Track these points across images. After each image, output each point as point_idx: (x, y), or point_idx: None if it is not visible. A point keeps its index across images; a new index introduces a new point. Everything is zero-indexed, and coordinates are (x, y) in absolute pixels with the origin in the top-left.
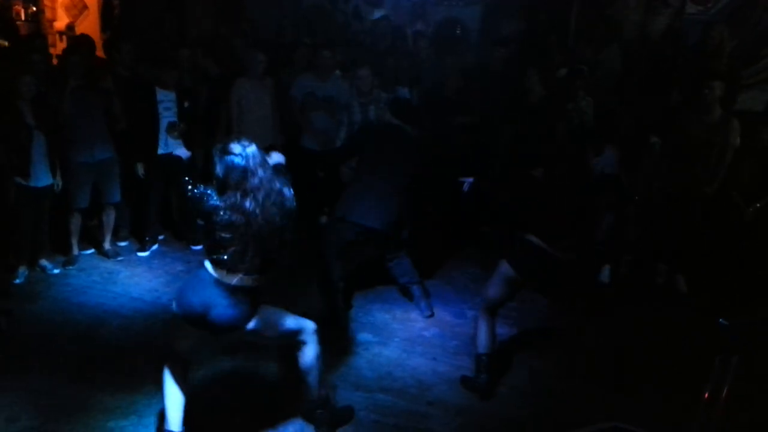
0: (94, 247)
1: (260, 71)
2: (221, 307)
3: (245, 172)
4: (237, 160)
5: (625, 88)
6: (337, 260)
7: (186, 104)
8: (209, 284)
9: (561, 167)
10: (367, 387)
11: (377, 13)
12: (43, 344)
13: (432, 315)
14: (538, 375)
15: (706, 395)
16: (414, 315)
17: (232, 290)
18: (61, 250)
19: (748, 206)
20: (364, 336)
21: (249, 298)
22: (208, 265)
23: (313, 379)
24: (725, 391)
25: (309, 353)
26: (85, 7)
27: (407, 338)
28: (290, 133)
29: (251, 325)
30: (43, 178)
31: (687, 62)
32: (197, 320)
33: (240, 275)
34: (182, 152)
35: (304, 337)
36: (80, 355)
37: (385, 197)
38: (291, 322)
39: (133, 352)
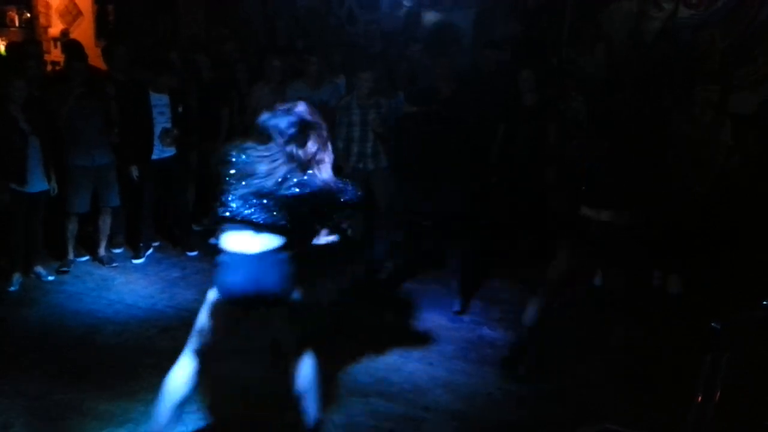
0: (89, 254)
1: (277, 76)
2: (270, 276)
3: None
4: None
5: (612, 89)
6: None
7: (180, 109)
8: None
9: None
10: (363, 392)
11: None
12: (38, 350)
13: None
14: (532, 379)
15: (699, 397)
16: (410, 320)
17: (275, 258)
18: (57, 256)
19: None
20: (360, 341)
21: (292, 268)
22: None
23: (311, 400)
24: (717, 391)
25: (310, 367)
26: (80, 13)
27: (403, 343)
28: None
29: (294, 297)
30: (37, 183)
31: (678, 65)
32: (243, 297)
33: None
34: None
35: (309, 346)
36: (75, 362)
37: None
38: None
39: (129, 358)
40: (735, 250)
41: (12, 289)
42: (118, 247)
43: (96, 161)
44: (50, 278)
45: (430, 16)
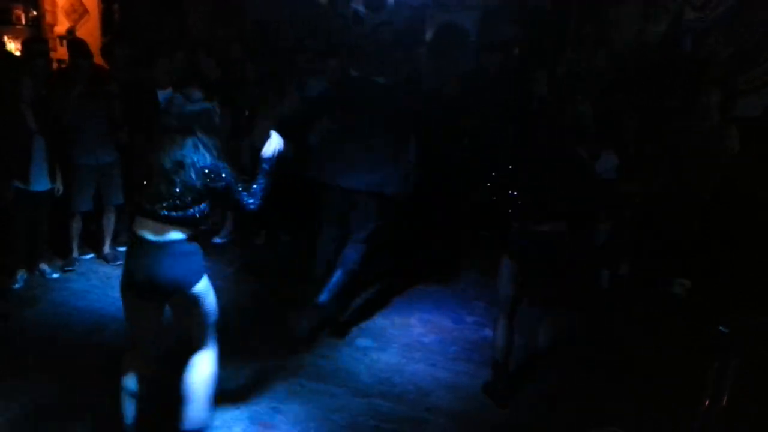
0: (94, 252)
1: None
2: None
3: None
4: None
5: (614, 93)
6: (330, 226)
7: None
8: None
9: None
10: (366, 393)
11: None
12: (42, 348)
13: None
14: (536, 381)
15: (707, 401)
16: (413, 321)
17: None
18: (61, 253)
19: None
20: (362, 341)
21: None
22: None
23: (198, 404)
24: (725, 396)
25: (209, 365)
26: (86, 11)
27: (406, 344)
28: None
29: (195, 289)
30: (42, 182)
31: (683, 69)
32: (145, 289)
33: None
34: None
35: (212, 343)
36: (79, 360)
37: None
38: (215, 312)
39: None
40: (740, 253)
41: (16, 286)
42: (123, 245)
43: (100, 160)
44: (54, 276)
45: (435, 18)
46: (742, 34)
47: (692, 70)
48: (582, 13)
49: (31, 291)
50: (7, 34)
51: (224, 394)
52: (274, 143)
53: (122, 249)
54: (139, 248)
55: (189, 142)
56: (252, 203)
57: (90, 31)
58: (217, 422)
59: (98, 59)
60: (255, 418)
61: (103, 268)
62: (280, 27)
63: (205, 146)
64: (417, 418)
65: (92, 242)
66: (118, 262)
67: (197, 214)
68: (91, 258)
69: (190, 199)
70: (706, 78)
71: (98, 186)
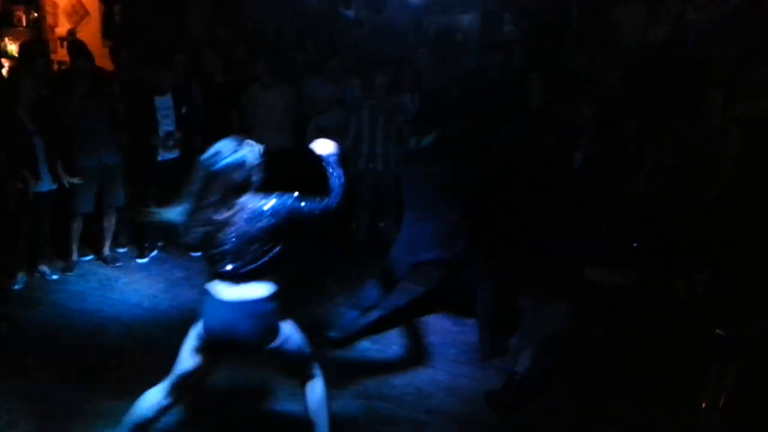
0: (94, 253)
1: (276, 80)
2: (246, 326)
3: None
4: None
5: (622, 95)
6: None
7: (183, 110)
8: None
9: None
10: (367, 395)
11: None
12: (42, 350)
13: None
14: (536, 383)
15: (704, 404)
16: (413, 323)
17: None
18: (61, 255)
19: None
20: (362, 344)
21: (270, 311)
22: (217, 288)
23: (323, 419)
24: (723, 398)
25: (320, 387)
26: (87, 13)
27: (406, 346)
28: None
29: (277, 342)
30: (43, 183)
31: (684, 69)
32: (225, 344)
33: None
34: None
35: (314, 369)
36: (79, 362)
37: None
38: (305, 343)
39: (132, 359)
40: (741, 254)
41: (16, 287)
42: (122, 247)
43: (103, 161)
44: (54, 277)
45: (436, 19)
46: (744, 35)
47: (694, 70)
48: (583, 14)
49: (30, 292)
50: (8, 36)
51: (225, 397)
52: (324, 143)
53: (122, 251)
54: None
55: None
56: (331, 201)
57: (91, 33)
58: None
59: (99, 61)
60: (253, 421)
61: (102, 270)
62: (282, 27)
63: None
64: (417, 420)
65: (92, 244)
66: (118, 264)
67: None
68: (90, 259)
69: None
70: (707, 78)
71: (100, 188)
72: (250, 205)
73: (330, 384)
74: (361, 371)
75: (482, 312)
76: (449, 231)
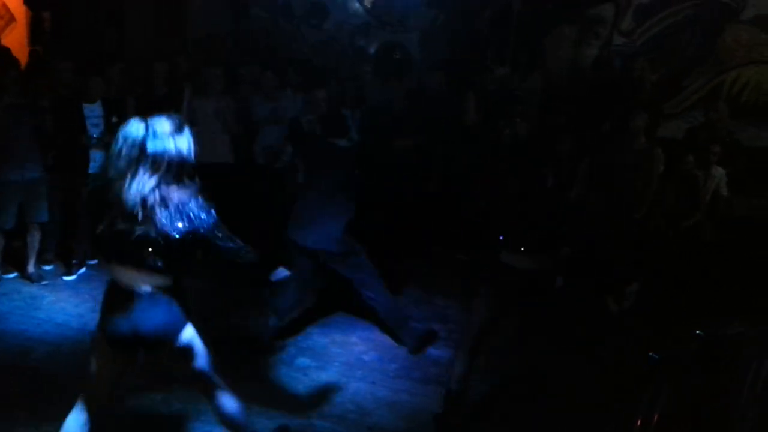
0: (17, 271)
1: (218, 88)
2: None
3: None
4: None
5: (548, 114)
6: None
7: (114, 119)
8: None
9: (512, 183)
10: (306, 413)
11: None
12: None
13: None
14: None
15: (638, 421)
16: (353, 339)
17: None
18: None
19: (672, 228)
20: (302, 360)
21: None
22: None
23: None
24: (656, 416)
25: (232, 399)
26: (12, 19)
27: (346, 362)
28: (242, 152)
29: (183, 338)
30: None
31: (613, 92)
32: (126, 342)
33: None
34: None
35: (218, 379)
36: (3, 387)
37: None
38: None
39: (60, 382)
40: (671, 270)
41: None
42: (49, 264)
43: (26, 175)
44: None
45: (377, 36)
46: (668, 60)
47: (622, 93)
48: (518, 36)
49: None
50: None
51: (160, 421)
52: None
53: (48, 268)
54: None
55: None
56: (245, 256)
57: (17, 40)
58: None
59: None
60: None
61: (26, 288)
62: (224, 41)
63: None
64: None
65: (15, 260)
66: (44, 282)
67: None
68: (14, 277)
69: None
70: (634, 102)
71: (22, 202)
72: (175, 199)
73: (269, 402)
74: (300, 389)
75: (382, 313)
76: (335, 226)
